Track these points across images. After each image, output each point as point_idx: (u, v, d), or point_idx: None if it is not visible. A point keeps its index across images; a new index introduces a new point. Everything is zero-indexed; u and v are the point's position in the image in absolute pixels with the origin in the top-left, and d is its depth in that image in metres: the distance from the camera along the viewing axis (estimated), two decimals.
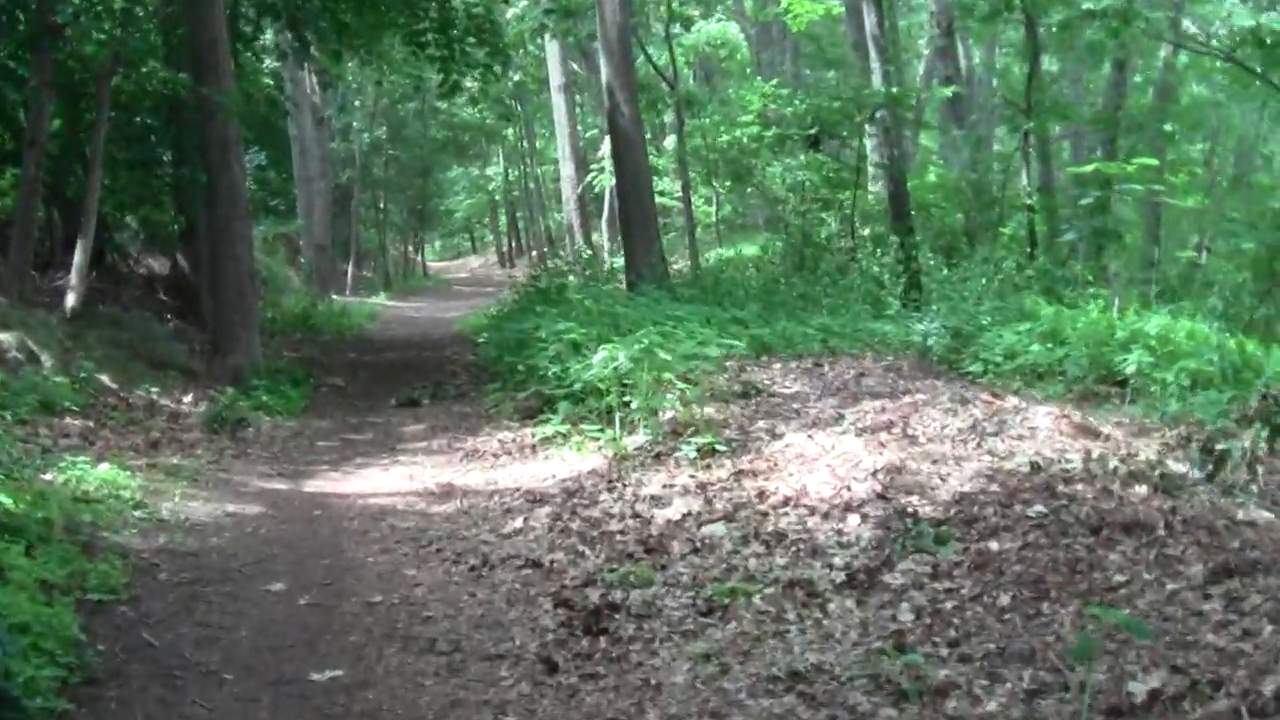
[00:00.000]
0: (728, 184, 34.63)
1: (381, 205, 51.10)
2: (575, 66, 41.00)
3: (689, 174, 31.03)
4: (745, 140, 27.08)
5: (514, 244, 65.32)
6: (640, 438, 11.77)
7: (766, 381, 13.81)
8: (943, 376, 14.56)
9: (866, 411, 11.60)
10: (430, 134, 51.87)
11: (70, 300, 18.53)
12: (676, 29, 32.70)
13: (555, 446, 12.59)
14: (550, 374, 14.57)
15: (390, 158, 49.33)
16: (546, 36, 34.43)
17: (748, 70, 41.94)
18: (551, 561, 8.78)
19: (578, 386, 13.28)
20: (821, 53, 43.51)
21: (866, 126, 25.12)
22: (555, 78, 38.32)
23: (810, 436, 10.77)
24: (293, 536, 10.03)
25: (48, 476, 10.69)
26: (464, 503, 10.89)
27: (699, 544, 8.73)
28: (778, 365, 14.90)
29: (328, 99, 40.04)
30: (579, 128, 41.16)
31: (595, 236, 38.90)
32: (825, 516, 8.82)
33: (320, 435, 15.17)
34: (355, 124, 46.63)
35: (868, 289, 21.55)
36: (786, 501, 9.19)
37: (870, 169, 26.44)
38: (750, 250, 34.36)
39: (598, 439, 12.23)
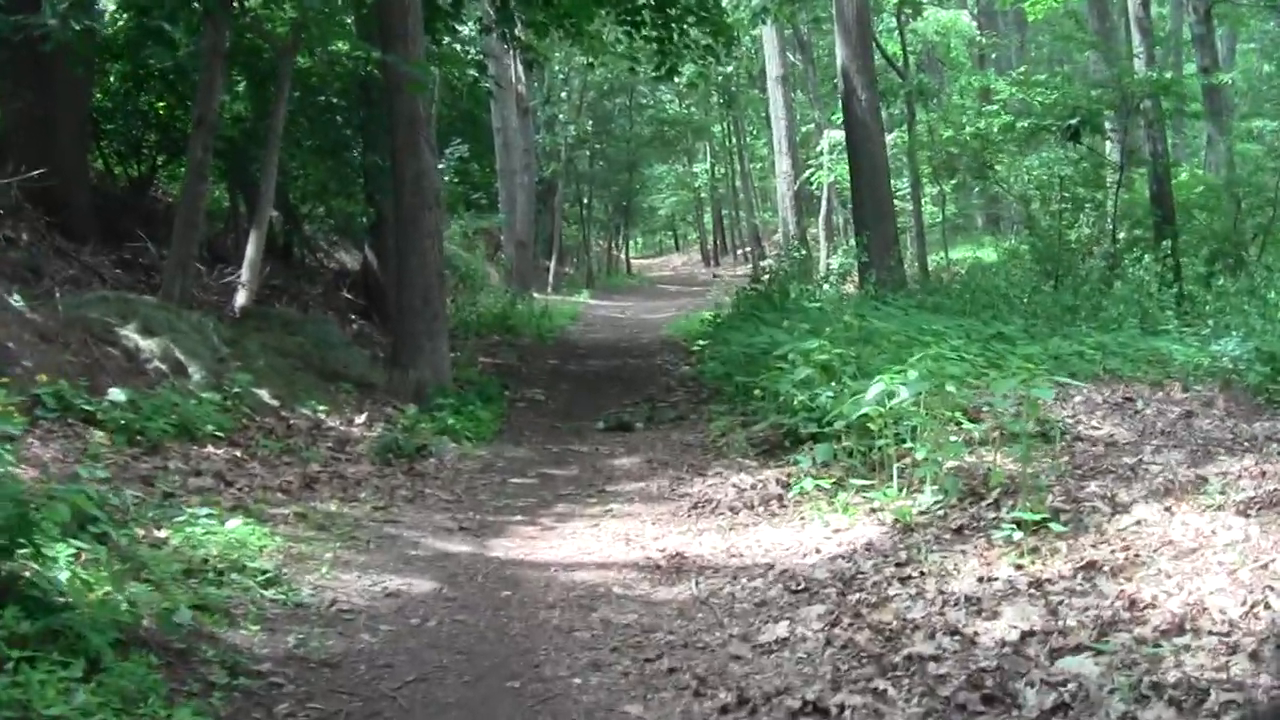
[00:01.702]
0: (953, 182, 31.55)
1: (586, 200, 48.61)
2: (792, 58, 37.97)
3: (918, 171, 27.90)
4: (995, 132, 23.68)
5: (719, 242, 62.51)
6: (926, 498, 8.72)
7: (1069, 419, 10.66)
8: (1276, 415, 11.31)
9: (1234, 474, 8.42)
10: (637, 129, 49.34)
11: (240, 299, 16.06)
12: (905, 16, 29.66)
13: (812, 503, 9.53)
14: (796, 403, 11.58)
15: (596, 152, 46.78)
16: (764, 24, 31.32)
17: (968, 64, 38.72)
18: (842, 708, 5.76)
19: (838, 424, 10.22)
20: (1055, 43, 40.04)
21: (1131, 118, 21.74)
22: (772, 68, 35.32)
23: (1169, 511, 7.65)
24: (472, 635, 7.13)
25: (161, 533, 7.97)
26: (700, 585, 7.89)
27: (1062, 690, 5.65)
28: (1076, 397, 11.74)
29: (532, 89, 37.55)
30: (795, 122, 37.99)
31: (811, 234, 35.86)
32: (1253, 656, 5.71)
33: (514, 468, 12.33)
34: (561, 116, 44.14)
35: (1138, 301, 18.20)
36: (1177, 623, 6.06)
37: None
38: (984, 254, 31.17)
39: (870, 497, 9.19)
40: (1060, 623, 6.23)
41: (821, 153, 34.58)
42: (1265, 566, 6.41)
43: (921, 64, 37.19)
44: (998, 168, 25.37)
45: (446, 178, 32.19)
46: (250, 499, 9.45)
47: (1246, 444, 9.61)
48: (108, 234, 16.14)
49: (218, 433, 10.86)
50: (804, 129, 41.35)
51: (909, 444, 9.38)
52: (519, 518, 10.16)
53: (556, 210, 42.65)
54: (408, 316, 14.78)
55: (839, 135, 32.81)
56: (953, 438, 9.41)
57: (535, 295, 32.55)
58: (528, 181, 34.66)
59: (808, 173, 34.50)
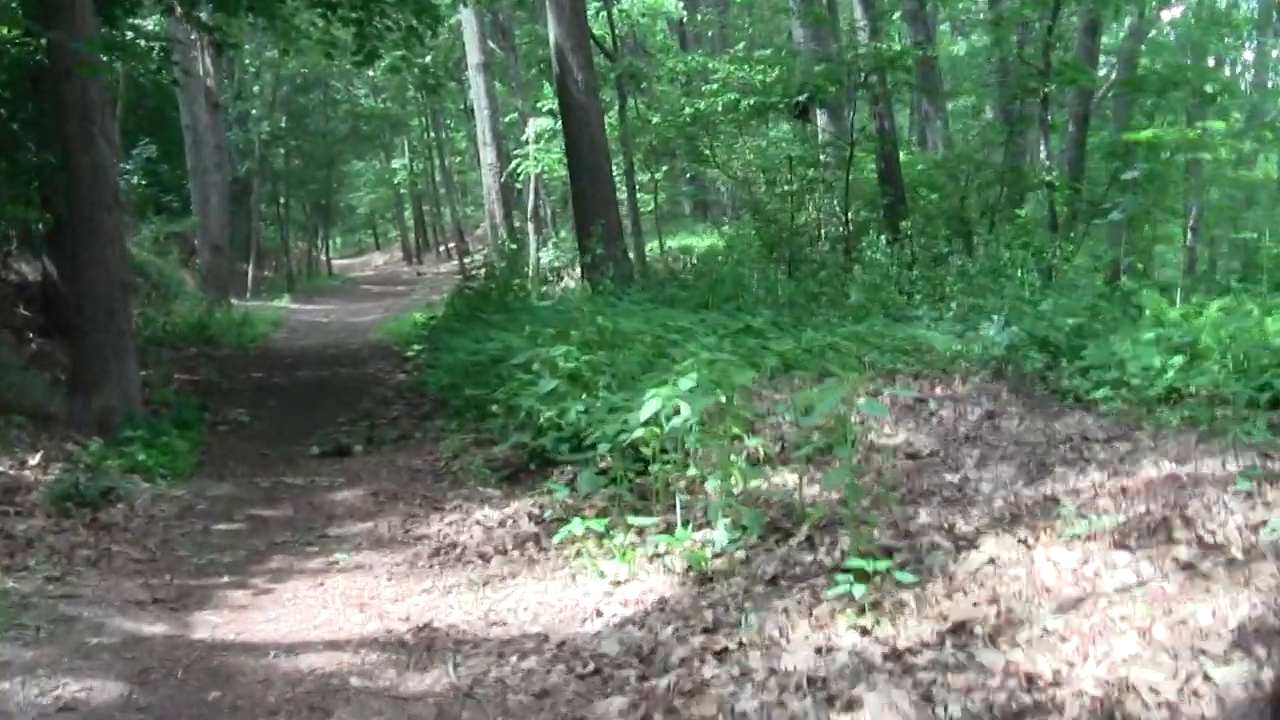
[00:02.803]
0: (664, 168, 30.42)
1: (283, 200, 46.22)
2: (493, 45, 36.24)
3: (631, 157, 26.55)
4: (719, 112, 22.37)
5: (421, 239, 60.52)
6: (719, 536, 7.22)
7: (856, 424, 9.30)
8: (1073, 409, 10.15)
9: (1085, 491, 7.09)
10: (333, 125, 47.12)
11: None
12: None
13: (577, 543, 7.95)
14: (543, 420, 10.02)
15: (291, 149, 44.44)
16: (464, 7, 29.56)
17: (674, 46, 37.76)
18: None
19: (601, 446, 8.68)
20: (757, 25, 39.35)
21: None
22: (473, 55, 33.51)
23: (1025, 544, 6.30)
24: None
25: None
26: (459, 669, 6.22)
27: None
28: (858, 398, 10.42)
29: (223, 84, 35.19)
30: (499, 111, 36.24)
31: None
32: None
33: (218, 511, 10.44)
34: (254, 112, 41.70)
35: (877, 286, 17.11)
36: (1101, 710, 4.68)
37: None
38: (699, 241, 30.09)
39: (650, 539, 7.66)
40: (945, 715, 4.80)
41: (528, 142, 32.98)
42: (1184, 621, 5.08)
43: (625, 48, 35.98)
44: (715, 150, 24.11)
45: (134, 179, 29.92)
46: None
47: (1070, 449, 8.36)
48: None
49: None
50: (507, 119, 39.66)
51: (690, 469, 7.92)
52: (226, 578, 8.34)
53: (253, 211, 40.23)
54: (89, 333, 12.67)
55: (545, 123, 31.47)
56: (733, 456, 7.96)
57: (234, 302, 30.38)
58: (221, 181, 32.32)
59: (514, 163, 32.84)
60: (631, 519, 7.90)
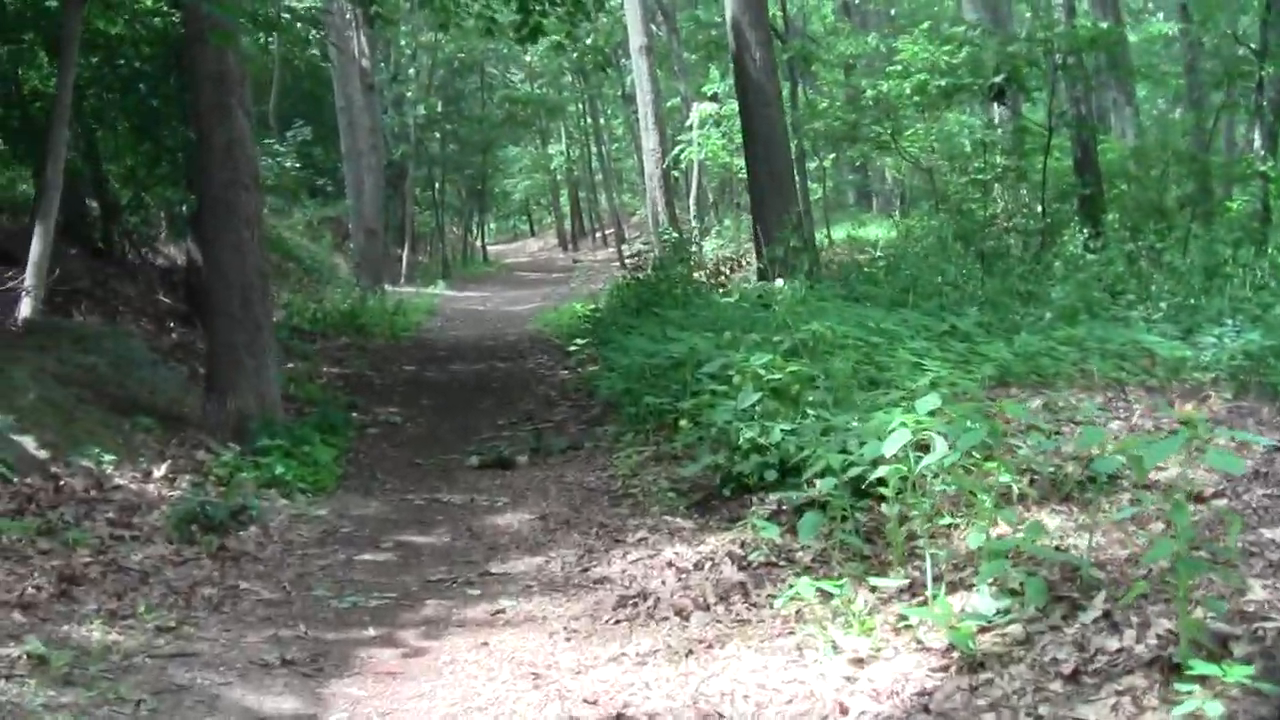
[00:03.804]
0: (832, 156, 28.78)
1: (438, 185, 45.09)
2: (655, 29, 34.70)
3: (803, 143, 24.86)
4: (906, 94, 20.57)
5: (576, 226, 59.20)
6: (983, 604, 5.58)
7: (1111, 448, 7.55)
8: None
9: None
10: (489, 110, 45.95)
11: (24, 309, 12.70)
12: None
13: (799, 605, 6.32)
14: (743, 439, 8.43)
15: (447, 133, 43.27)
16: None
17: (847, 26, 36.04)
18: None
19: (824, 481, 7.04)
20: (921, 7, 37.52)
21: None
22: (635, 38, 31.92)
23: None
24: None
25: None
26: None
27: None
28: (1113, 423, 8.67)
29: (378, 65, 34.05)
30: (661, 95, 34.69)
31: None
32: None
33: (364, 536, 8.98)
34: (409, 95, 40.54)
35: (1083, 284, 15.24)
36: None
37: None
38: (872, 232, 28.35)
39: (892, 601, 6.04)
40: None
41: (690, 127, 31.44)
42: None
43: (792, 31, 34.33)
44: (896, 136, 22.31)
45: (288, 162, 28.95)
46: None
47: None
48: None
49: None
50: (668, 104, 38.10)
51: (945, 519, 6.30)
52: (371, 631, 6.85)
53: (407, 195, 39.13)
54: (223, 327, 11.29)
55: (709, 108, 29.99)
56: (985, 497, 6.32)
57: (388, 288, 29.15)
58: (375, 164, 31.16)
59: (677, 149, 31.31)
60: (871, 579, 6.27)
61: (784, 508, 7.71)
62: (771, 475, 8.15)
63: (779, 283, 13.23)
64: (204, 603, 7.16)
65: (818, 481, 7.15)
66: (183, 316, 16.57)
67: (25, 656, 5.83)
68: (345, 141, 30.31)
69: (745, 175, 21.93)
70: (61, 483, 8.79)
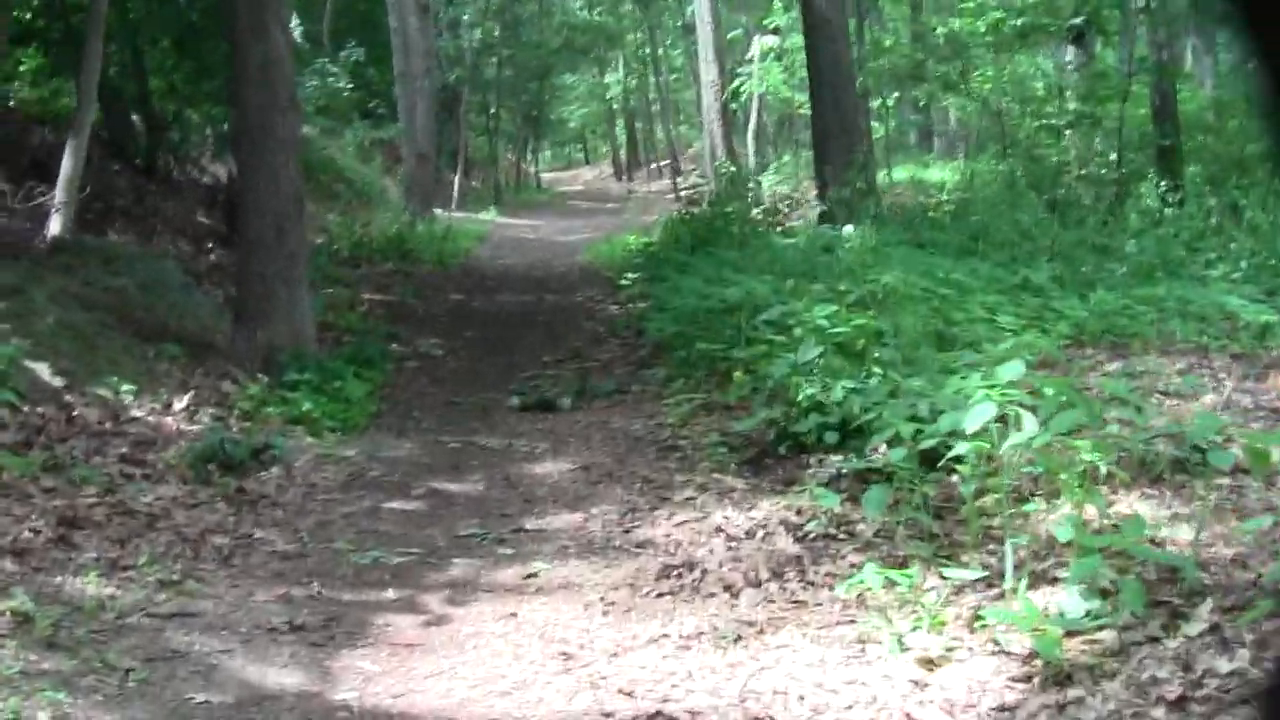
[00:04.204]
0: (896, 95, 27.87)
1: (492, 110, 44.31)
2: None
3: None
4: (980, 33, 19.69)
5: (632, 156, 58.28)
6: (1072, 605, 4.92)
7: (1223, 422, 6.84)
8: None
9: None
10: (547, 37, 45.06)
11: (53, 227, 12.17)
12: None
13: (864, 595, 5.65)
14: (802, 396, 7.78)
15: (504, 59, 42.44)
16: None
17: None
18: None
19: (896, 453, 6.35)
20: None
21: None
22: None
23: None
24: None
25: None
26: None
27: None
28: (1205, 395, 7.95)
29: None
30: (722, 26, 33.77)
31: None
32: None
33: (392, 482, 8.37)
34: (466, 17, 39.69)
35: (1161, 240, 14.41)
36: None
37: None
38: (934, 174, 27.47)
39: (966, 592, 5.40)
40: None
41: (751, 60, 30.61)
42: None
43: None
44: (967, 76, 21.44)
45: (340, 83, 28.28)
46: None
47: None
48: None
49: None
50: (729, 35, 37.24)
51: (1032, 504, 5.64)
52: (391, 593, 6.26)
53: (461, 121, 38.34)
54: (256, 255, 10.66)
55: (770, 41, 29.19)
56: (1071, 478, 5.65)
57: (439, 212, 28.48)
58: (429, 88, 30.38)
59: (736, 82, 30.49)
60: (941, 564, 5.63)
61: (844, 473, 7.08)
62: (832, 437, 7.51)
63: (847, 229, 12.42)
64: (213, 553, 6.61)
65: (883, 448, 6.52)
66: (222, 238, 15.99)
67: (8, 614, 5.28)
68: (399, 64, 29.54)
69: (807, 111, 21.23)
70: (75, 413, 8.24)
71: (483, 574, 6.54)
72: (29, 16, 16.64)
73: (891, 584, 5.47)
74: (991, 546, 5.69)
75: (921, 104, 33.66)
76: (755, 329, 9.68)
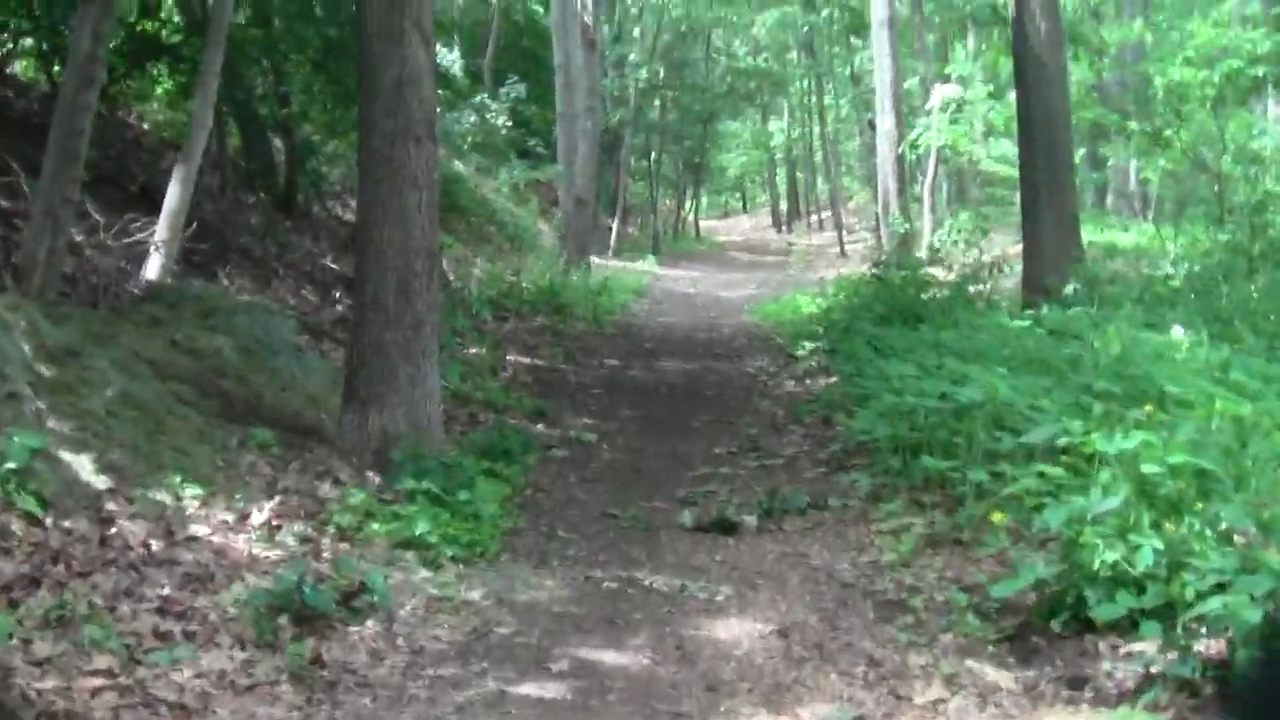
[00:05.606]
0: (1082, 151, 25.53)
1: (655, 154, 42.34)
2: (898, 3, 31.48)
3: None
4: (1211, 83, 17.20)
5: (793, 207, 55.95)
6: None
7: None
8: None
9: None
10: (713, 80, 43.03)
11: (150, 269, 10.20)
12: None
13: None
14: (1097, 559, 5.43)
15: (668, 101, 40.47)
16: None
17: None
18: None
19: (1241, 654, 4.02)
20: None
21: None
22: (879, 10, 29.07)
23: None
24: None
25: None
26: None
27: None
28: None
29: (600, 23, 31.32)
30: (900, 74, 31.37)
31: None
32: None
33: (524, 649, 5.97)
34: (632, 57, 37.76)
35: None
36: None
37: None
38: (1126, 238, 24.93)
39: None
40: None
41: (929, 111, 28.23)
42: None
43: None
44: (1181, 131, 18.90)
45: (499, 120, 26.57)
46: None
47: None
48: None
49: None
50: (905, 84, 34.88)
51: None
52: None
53: (622, 164, 36.47)
54: (374, 320, 8.38)
55: (951, 92, 27.05)
56: None
57: (594, 260, 26.43)
58: (591, 129, 28.42)
59: (915, 133, 28.13)
60: None
61: (1158, 674, 4.76)
62: (1151, 628, 5.16)
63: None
64: None
65: (1220, 644, 4.23)
66: (350, 284, 13.98)
67: None
68: (561, 102, 27.61)
69: (985, 168, 18.82)
70: (112, 530, 6.10)
71: None
72: (162, 30, 14.90)
73: None
74: None
75: (1109, 161, 31.19)
76: (996, 440, 7.39)
